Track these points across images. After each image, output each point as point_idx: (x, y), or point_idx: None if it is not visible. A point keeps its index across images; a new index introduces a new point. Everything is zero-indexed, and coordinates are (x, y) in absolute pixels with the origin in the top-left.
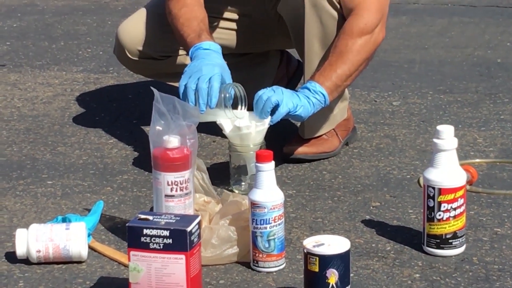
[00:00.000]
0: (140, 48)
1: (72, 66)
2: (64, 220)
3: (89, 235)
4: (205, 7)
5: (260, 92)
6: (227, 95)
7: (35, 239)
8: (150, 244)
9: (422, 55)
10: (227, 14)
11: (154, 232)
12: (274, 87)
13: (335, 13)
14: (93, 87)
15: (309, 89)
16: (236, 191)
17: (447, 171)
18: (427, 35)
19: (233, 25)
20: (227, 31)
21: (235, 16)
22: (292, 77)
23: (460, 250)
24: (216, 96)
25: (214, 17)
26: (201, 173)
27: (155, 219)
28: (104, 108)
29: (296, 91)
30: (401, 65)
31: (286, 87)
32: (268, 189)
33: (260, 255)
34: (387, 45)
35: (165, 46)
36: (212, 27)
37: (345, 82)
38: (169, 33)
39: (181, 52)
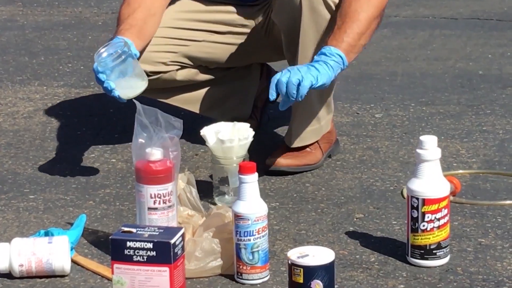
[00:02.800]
0: None
1: (53, 81)
2: (46, 234)
3: (72, 248)
4: (197, 22)
5: (277, 76)
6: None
7: (18, 253)
8: (134, 256)
9: (404, 68)
10: (217, 28)
11: (137, 244)
12: (288, 67)
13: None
14: (74, 102)
15: (325, 54)
16: (219, 204)
17: (431, 181)
18: (408, 47)
19: (223, 39)
20: (217, 45)
21: (224, 29)
22: None
23: (445, 260)
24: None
25: (205, 30)
26: (189, 187)
27: (138, 232)
28: (85, 123)
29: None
30: (383, 77)
31: (267, 100)
32: (251, 201)
33: (244, 267)
34: (368, 58)
35: (157, 64)
36: (203, 41)
37: (359, 41)
38: (163, 52)
39: (171, 68)
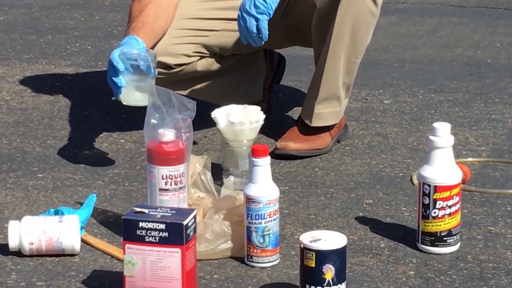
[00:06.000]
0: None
1: (61, 60)
2: (56, 213)
3: (81, 228)
4: (214, 11)
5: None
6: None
7: (28, 232)
8: (146, 237)
9: (412, 54)
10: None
11: (150, 225)
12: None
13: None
14: (82, 81)
15: None
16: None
17: (443, 168)
18: (416, 34)
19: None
20: (235, 33)
21: None
22: (276, 71)
23: (455, 248)
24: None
25: (222, 19)
26: (204, 170)
27: (151, 212)
28: (93, 102)
29: None
30: (392, 64)
31: (272, 81)
32: (263, 184)
33: (255, 250)
34: (376, 44)
35: (180, 56)
36: (222, 31)
37: None
38: (185, 44)
39: (193, 59)
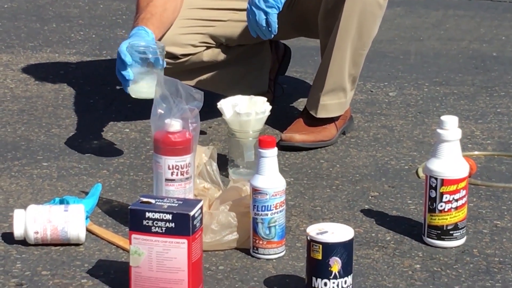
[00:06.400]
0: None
1: (65, 48)
2: (61, 202)
3: (87, 217)
4: (221, 1)
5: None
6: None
7: (33, 220)
8: (152, 227)
9: (418, 47)
10: (241, 5)
11: (156, 215)
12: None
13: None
14: (86, 70)
15: None
16: (234, 177)
17: (450, 161)
18: (422, 27)
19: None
20: (241, 24)
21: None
22: (281, 62)
23: (461, 241)
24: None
25: (229, 9)
26: (210, 161)
27: (157, 203)
28: (98, 92)
29: None
30: (397, 56)
31: (278, 72)
32: (270, 176)
33: (261, 242)
34: (382, 36)
35: (186, 46)
36: (229, 21)
37: None
38: (192, 34)
39: (199, 49)
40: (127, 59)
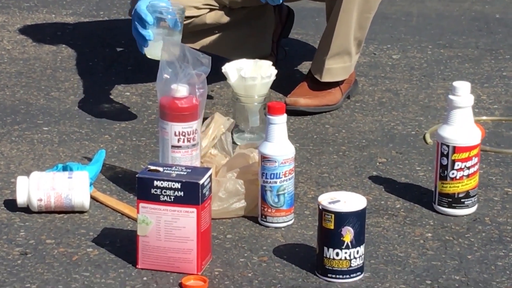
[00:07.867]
0: None
1: (61, 8)
2: (64, 168)
3: (91, 184)
4: None
5: None
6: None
7: (37, 188)
8: (161, 196)
9: (419, 8)
10: None
11: (165, 184)
12: None
13: None
14: (84, 31)
15: None
16: (238, 143)
17: (462, 128)
18: None
19: None
20: None
21: None
22: (285, 24)
23: (472, 209)
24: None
25: None
26: (227, 133)
27: (165, 171)
28: (97, 54)
29: None
30: (399, 17)
31: (280, 34)
32: (279, 143)
33: (269, 210)
34: None
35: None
36: None
37: None
38: None
39: (202, 11)
40: (148, 18)
